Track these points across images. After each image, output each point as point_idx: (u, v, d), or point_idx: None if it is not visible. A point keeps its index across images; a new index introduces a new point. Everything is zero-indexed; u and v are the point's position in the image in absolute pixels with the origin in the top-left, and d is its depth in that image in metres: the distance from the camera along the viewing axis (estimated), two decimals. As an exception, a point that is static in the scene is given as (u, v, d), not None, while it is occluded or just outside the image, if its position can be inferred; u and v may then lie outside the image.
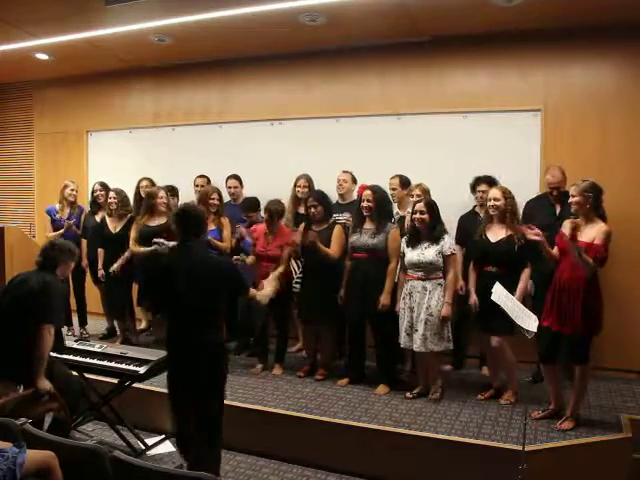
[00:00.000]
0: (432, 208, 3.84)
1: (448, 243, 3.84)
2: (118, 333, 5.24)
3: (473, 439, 3.27)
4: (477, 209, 4.40)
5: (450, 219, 4.28)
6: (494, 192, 3.79)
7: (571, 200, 3.39)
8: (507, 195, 3.74)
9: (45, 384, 3.08)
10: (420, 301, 3.81)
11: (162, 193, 4.73)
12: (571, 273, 3.30)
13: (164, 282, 2.93)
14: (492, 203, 3.76)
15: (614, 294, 4.29)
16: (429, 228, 3.84)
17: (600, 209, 3.45)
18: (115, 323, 5.32)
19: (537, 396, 3.80)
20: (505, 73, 4.79)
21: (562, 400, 3.56)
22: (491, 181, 4.27)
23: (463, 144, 4.82)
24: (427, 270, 3.82)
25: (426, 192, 4.14)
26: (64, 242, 3.46)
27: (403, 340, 3.88)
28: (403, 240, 3.98)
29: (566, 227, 3.38)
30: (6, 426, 2.41)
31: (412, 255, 3.85)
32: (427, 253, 3.81)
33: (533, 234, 3.39)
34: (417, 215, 3.84)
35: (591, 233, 3.29)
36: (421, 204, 3.85)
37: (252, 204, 4.73)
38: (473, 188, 4.40)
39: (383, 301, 3.99)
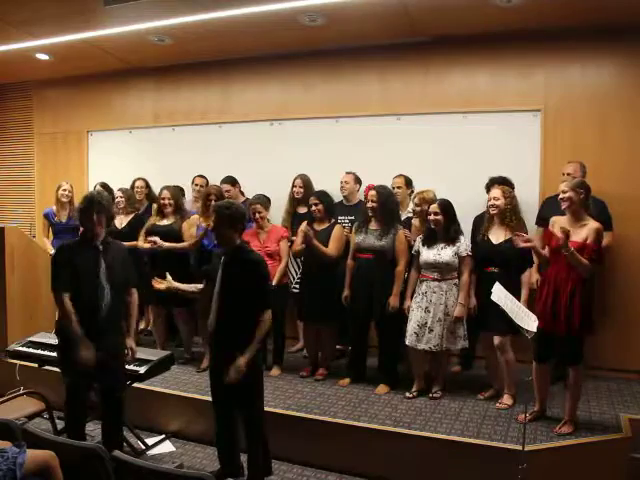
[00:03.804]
0: (446, 209, 3.84)
1: (464, 244, 3.85)
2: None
3: (473, 439, 3.27)
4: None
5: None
6: (494, 192, 3.79)
7: (563, 196, 3.32)
8: (507, 195, 3.73)
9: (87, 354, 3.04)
10: (436, 301, 3.81)
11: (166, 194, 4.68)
12: (568, 274, 3.26)
13: None
14: (492, 203, 3.75)
15: (614, 294, 4.30)
16: (444, 229, 3.84)
17: (589, 209, 3.42)
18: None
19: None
20: (505, 73, 4.79)
21: (546, 400, 3.58)
22: (506, 182, 4.18)
23: (463, 144, 4.81)
24: (443, 271, 3.82)
25: (426, 201, 4.06)
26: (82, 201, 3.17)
27: (409, 339, 3.87)
28: (418, 239, 3.98)
29: (554, 226, 3.37)
30: (6, 426, 2.41)
31: (428, 255, 3.85)
32: (444, 254, 3.82)
33: (522, 241, 3.38)
34: (432, 216, 3.85)
35: (582, 232, 3.26)
36: (435, 205, 3.86)
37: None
38: (488, 189, 4.32)
39: (392, 303, 3.98)
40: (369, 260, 4.05)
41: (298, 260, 4.72)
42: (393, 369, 4.19)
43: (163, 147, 5.98)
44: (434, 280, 3.84)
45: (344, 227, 4.45)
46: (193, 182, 5.31)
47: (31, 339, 3.93)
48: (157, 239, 4.48)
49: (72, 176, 6.00)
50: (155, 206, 4.98)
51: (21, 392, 3.47)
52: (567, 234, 3.15)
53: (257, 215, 4.38)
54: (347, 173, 4.76)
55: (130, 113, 6.23)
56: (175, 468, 2.88)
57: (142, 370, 3.46)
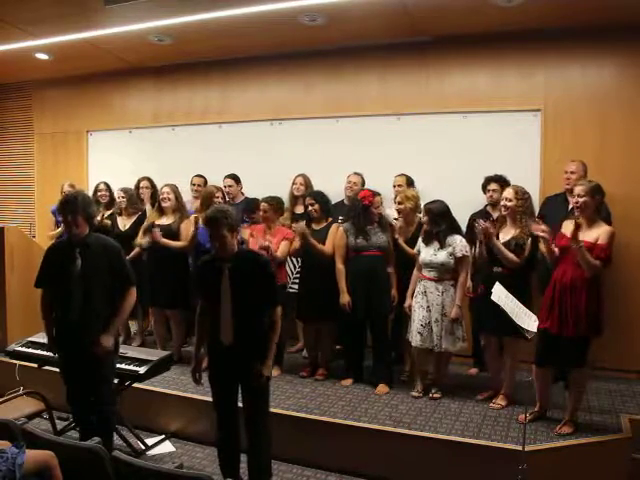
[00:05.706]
0: (428, 212, 3.87)
1: (460, 245, 3.83)
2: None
3: (473, 439, 3.27)
4: (488, 208, 4.35)
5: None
6: (507, 192, 3.71)
7: (578, 200, 3.28)
8: (519, 196, 3.66)
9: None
10: (434, 301, 3.82)
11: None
12: (574, 273, 3.25)
13: None
14: (504, 203, 3.71)
15: (614, 294, 4.29)
16: (432, 230, 3.85)
17: (601, 212, 3.42)
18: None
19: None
20: (505, 73, 4.79)
21: (547, 402, 3.58)
22: (502, 180, 4.23)
23: (463, 144, 4.81)
24: (439, 271, 3.83)
25: (408, 199, 4.12)
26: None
27: (414, 339, 3.87)
28: (420, 239, 4.00)
29: (567, 228, 3.35)
30: (6, 426, 2.41)
31: (426, 254, 3.87)
32: (439, 254, 3.83)
33: (540, 230, 3.35)
34: (424, 218, 3.91)
35: (593, 234, 3.25)
36: (423, 206, 3.90)
37: (255, 205, 4.72)
38: (484, 187, 4.36)
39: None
40: (375, 257, 4.06)
41: (294, 260, 4.72)
42: (388, 368, 4.18)
43: (163, 147, 5.98)
44: (431, 280, 3.85)
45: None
46: (191, 182, 5.30)
47: (31, 339, 3.92)
48: (157, 230, 4.44)
49: (72, 176, 6.00)
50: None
51: (21, 392, 3.46)
52: (577, 230, 3.14)
53: (262, 212, 4.38)
54: (355, 174, 4.75)
55: (130, 113, 6.23)
56: (175, 468, 2.87)
57: (142, 370, 3.46)
